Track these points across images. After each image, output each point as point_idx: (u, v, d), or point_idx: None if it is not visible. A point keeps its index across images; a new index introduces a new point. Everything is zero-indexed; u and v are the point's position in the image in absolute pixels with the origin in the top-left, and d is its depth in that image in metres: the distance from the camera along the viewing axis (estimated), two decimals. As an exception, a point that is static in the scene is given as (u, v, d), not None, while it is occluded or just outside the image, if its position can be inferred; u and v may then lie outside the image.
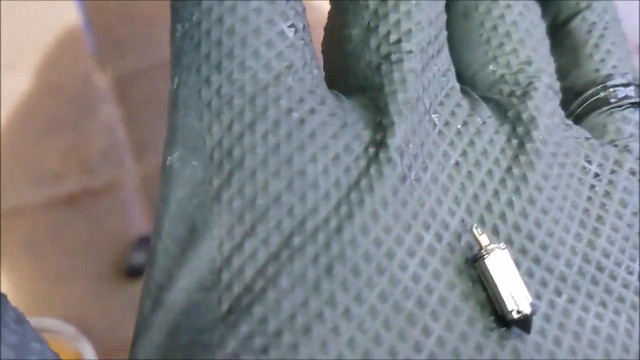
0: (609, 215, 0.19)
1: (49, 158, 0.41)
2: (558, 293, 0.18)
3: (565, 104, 0.21)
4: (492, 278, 0.17)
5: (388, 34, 0.19)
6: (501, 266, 0.17)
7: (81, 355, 0.33)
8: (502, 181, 0.19)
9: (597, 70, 0.21)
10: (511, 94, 0.20)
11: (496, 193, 0.18)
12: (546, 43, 0.21)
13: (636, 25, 0.39)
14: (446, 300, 0.16)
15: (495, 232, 0.18)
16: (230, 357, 0.15)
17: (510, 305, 0.16)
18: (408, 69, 0.18)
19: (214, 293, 0.16)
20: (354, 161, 0.17)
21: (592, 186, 0.19)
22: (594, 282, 0.18)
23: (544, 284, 0.18)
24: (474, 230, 0.17)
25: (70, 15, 0.42)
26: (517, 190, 0.19)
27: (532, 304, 0.16)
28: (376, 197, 0.17)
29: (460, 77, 0.21)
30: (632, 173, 0.20)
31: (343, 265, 0.16)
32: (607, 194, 0.19)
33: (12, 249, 0.39)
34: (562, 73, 0.22)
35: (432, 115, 0.19)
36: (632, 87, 0.21)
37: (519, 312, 0.16)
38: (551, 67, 0.21)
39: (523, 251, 0.18)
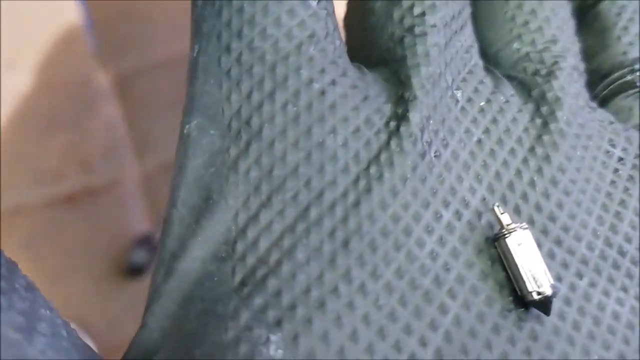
0: (632, 200, 0.19)
1: (49, 157, 0.41)
2: (579, 276, 0.17)
3: (590, 87, 0.21)
4: (513, 258, 0.16)
5: (412, 6, 0.19)
6: (523, 246, 0.16)
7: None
8: (525, 161, 0.18)
9: (625, 53, 0.21)
10: (535, 72, 0.20)
11: (518, 172, 0.18)
12: (571, 23, 0.21)
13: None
14: (464, 279, 0.16)
15: (517, 212, 0.18)
16: (243, 329, 0.15)
17: (530, 285, 0.16)
18: (431, 43, 0.18)
19: (228, 264, 0.16)
20: (374, 135, 0.17)
21: (616, 170, 0.19)
22: (616, 266, 0.18)
23: (565, 265, 0.17)
24: (495, 208, 0.17)
25: (70, 15, 0.42)
26: (539, 171, 0.18)
27: (553, 286, 0.16)
28: (396, 173, 0.17)
29: (483, 55, 0.20)
30: None
31: (360, 240, 0.16)
32: (630, 178, 0.19)
33: (12, 249, 0.39)
34: (588, 55, 0.21)
35: (455, 91, 0.19)
36: (659, 71, 0.21)
37: (539, 293, 0.16)
38: (576, 47, 0.21)
39: (544, 232, 0.18)
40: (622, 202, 0.19)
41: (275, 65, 0.17)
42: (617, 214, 0.19)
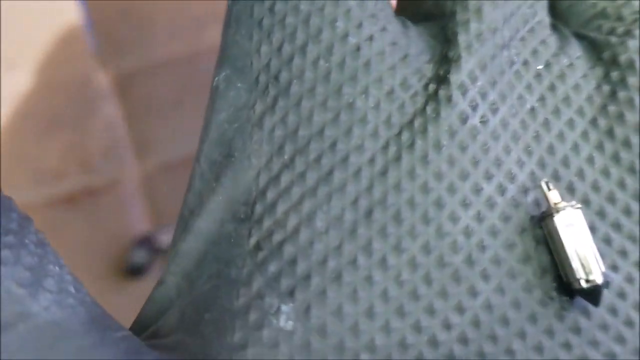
0: None
1: (49, 157, 0.41)
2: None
3: None
4: (560, 239, 0.15)
5: None
6: (572, 227, 0.15)
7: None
8: (584, 134, 0.17)
9: None
10: (611, 31, 0.17)
11: (575, 146, 0.16)
12: None
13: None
14: (501, 260, 0.15)
15: (570, 190, 0.16)
16: (255, 296, 0.14)
17: (578, 272, 0.15)
18: None
19: (245, 225, 0.15)
20: (410, 98, 0.16)
21: None
22: None
23: (623, 253, 0.15)
24: (543, 184, 0.15)
25: (70, 15, 0.42)
26: (600, 146, 0.16)
27: (604, 274, 0.15)
28: (429, 140, 0.15)
29: (553, 10, 0.18)
30: None
31: (384, 211, 0.15)
32: None
33: (12, 249, 0.39)
34: None
35: (512, 51, 0.17)
36: None
37: (588, 281, 0.14)
38: None
39: (601, 214, 0.16)
40: None
41: (309, 16, 0.16)
42: None
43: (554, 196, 0.15)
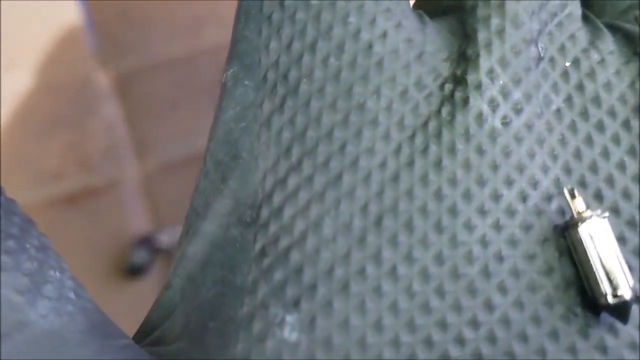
0: None
1: (49, 157, 0.41)
2: None
3: None
4: (585, 251, 0.14)
5: None
6: (598, 238, 0.14)
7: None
8: (615, 137, 0.15)
9: None
10: None
11: (605, 151, 0.15)
12: None
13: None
14: (520, 272, 0.14)
15: (598, 198, 0.15)
16: (259, 305, 0.13)
17: (604, 286, 0.13)
18: None
19: (251, 230, 0.14)
20: (425, 98, 0.15)
21: None
22: None
23: None
24: (566, 191, 0.14)
25: (70, 15, 0.42)
26: (632, 151, 0.15)
27: (634, 289, 0.14)
28: (443, 144, 0.15)
29: (588, 1, 0.17)
30: None
31: (395, 218, 0.14)
32: None
33: (12, 249, 0.39)
34: None
35: (539, 46, 0.16)
36: None
37: (615, 296, 0.13)
38: None
39: (632, 224, 0.15)
40: None
41: (320, 11, 0.15)
42: None
43: (578, 204, 0.14)
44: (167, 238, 0.41)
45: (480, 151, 0.15)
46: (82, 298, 0.14)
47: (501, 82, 0.15)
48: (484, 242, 0.14)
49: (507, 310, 0.14)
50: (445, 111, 0.15)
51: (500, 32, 0.15)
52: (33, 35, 0.42)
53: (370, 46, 0.15)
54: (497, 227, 0.14)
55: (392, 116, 0.15)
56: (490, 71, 0.15)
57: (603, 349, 0.14)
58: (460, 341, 0.13)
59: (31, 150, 0.41)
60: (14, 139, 0.41)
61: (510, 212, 0.14)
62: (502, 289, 0.14)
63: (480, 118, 0.15)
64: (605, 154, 0.15)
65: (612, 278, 0.14)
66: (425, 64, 0.15)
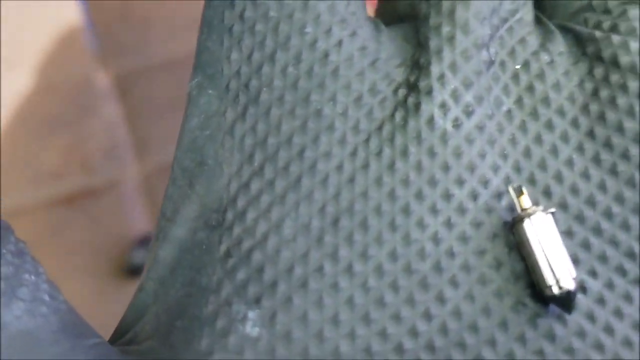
0: None
1: (49, 158, 0.41)
2: (621, 272, 0.15)
3: None
4: (531, 245, 0.14)
5: None
6: (543, 233, 0.14)
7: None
8: (564, 135, 0.16)
9: None
10: (597, 25, 0.17)
11: (554, 149, 0.16)
12: None
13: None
14: (471, 267, 0.15)
15: (546, 194, 0.16)
16: (223, 303, 0.14)
17: (548, 279, 0.14)
18: None
19: (217, 232, 0.15)
20: (379, 104, 0.16)
21: None
22: None
23: (603, 259, 0.15)
24: (511, 189, 0.15)
25: (70, 15, 0.42)
26: (579, 148, 0.16)
27: (581, 280, 0.14)
28: (396, 147, 0.15)
29: (540, 3, 0.18)
30: None
31: (351, 218, 0.15)
32: None
33: (12, 249, 0.39)
34: None
35: (490, 51, 0.16)
36: None
37: (560, 287, 0.14)
38: None
39: (580, 218, 0.15)
40: None
41: (279, 22, 0.16)
42: None
43: (524, 201, 0.15)
44: (167, 238, 0.41)
45: (432, 153, 0.15)
46: (56, 300, 0.14)
47: (452, 86, 0.16)
48: (436, 240, 0.15)
49: (458, 302, 0.14)
50: (398, 116, 0.15)
51: (451, 39, 0.16)
52: (33, 35, 0.42)
53: (326, 55, 0.16)
54: (449, 224, 0.15)
55: (347, 121, 0.15)
56: (441, 77, 0.16)
57: (552, 337, 0.14)
58: (413, 333, 0.14)
59: (31, 150, 0.41)
60: (14, 139, 0.41)
61: (461, 211, 0.15)
62: (454, 283, 0.14)
63: (431, 122, 0.15)
64: (554, 151, 0.16)
65: (556, 270, 0.14)
66: (379, 71, 0.16)
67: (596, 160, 0.16)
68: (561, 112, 0.16)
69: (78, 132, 0.42)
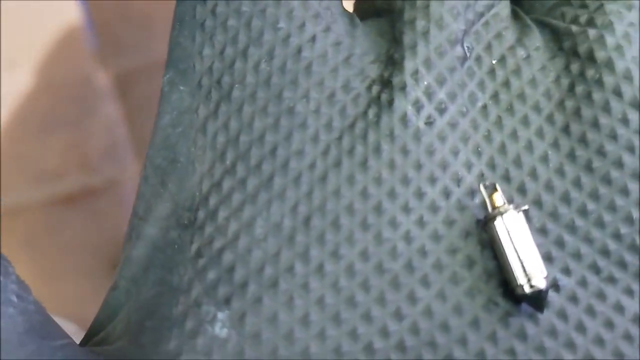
0: None
1: (49, 157, 0.41)
2: (595, 269, 0.15)
3: None
4: (502, 244, 0.14)
5: None
6: (514, 231, 0.14)
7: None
8: (539, 131, 0.16)
9: None
10: (574, 19, 0.16)
11: (529, 145, 0.16)
12: None
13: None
14: (443, 266, 0.15)
15: (521, 191, 0.15)
16: (193, 304, 0.14)
17: (519, 278, 0.14)
18: None
19: (189, 232, 0.15)
20: (352, 100, 0.16)
21: None
22: None
23: (577, 257, 0.15)
24: (482, 187, 0.15)
25: (70, 14, 0.42)
26: (555, 144, 0.16)
27: (554, 278, 0.14)
28: (369, 144, 0.15)
29: None
30: None
31: (322, 218, 0.15)
32: None
33: (12, 248, 0.39)
34: None
35: (464, 46, 0.16)
36: None
37: (531, 286, 0.14)
38: None
39: (554, 216, 0.15)
40: None
41: (251, 17, 0.16)
42: None
43: (496, 199, 0.15)
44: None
45: (405, 151, 0.15)
46: (24, 300, 0.14)
47: (425, 82, 0.15)
48: (408, 238, 0.15)
49: (430, 302, 0.14)
50: (371, 112, 0.15)
51: (425, 33, 0.16)
52: (33, 35, 0.42)
53: (299, 51, 0.16)
54: (421, 223, 0.15)
55: (320, 119, 0.15)
56: (415, 72, 0.15)
57: (523, 336, 0.14)
58: (384, 333, 0.14)
59: (31, 150, 0.41)
60: (13, 138, 0.41)
61: (434, 209, 0.15)
62: (425, 283, 0.14)
63: (404, 119, 0.15)
64: (529, 147, 0.16)
65: (527, 269, 0.14)
66: (353, 67, 0.16)
67: (571, 156, 0.16)
68: (537, 108, 0.16)
69: (78, 131, 0.42)
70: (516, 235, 0.14)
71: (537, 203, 0.15)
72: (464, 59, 0.16)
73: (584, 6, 0.16)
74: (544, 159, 0.16)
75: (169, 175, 0.15)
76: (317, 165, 0.15)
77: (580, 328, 0.14)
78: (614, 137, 0.15)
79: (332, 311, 0.14)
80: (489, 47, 0.16)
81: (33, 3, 0.42)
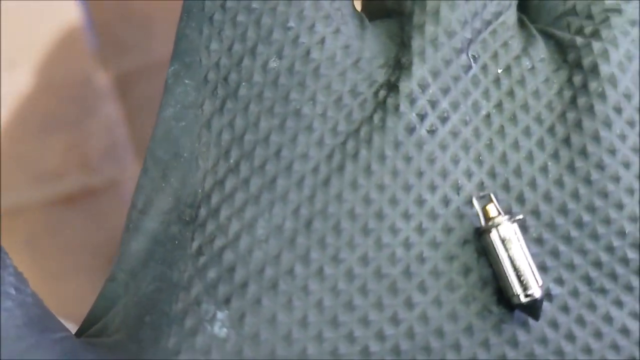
0: None
1: (49, 157, 0.41)
2: (587, 280, 0.15)
3: None
4: (497, 255, 0.15)
5: None
6: (509, 242, 0.15)
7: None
8: (540, 142, 0.16)
9: None
10: (579, 30, 0.16)
11: (530, 155, 0.16)
12: None
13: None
14: (440, 273, 0.15)
15: (520, 201, 0.16)
16: (193, 302, 0.14)
17: (515, 287, 0.15)
18: None
19: (190, 228, 0.15)
20: (358, 105, 0.16)
21: None
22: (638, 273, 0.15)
23: (570, 267, 0.15)
24: (475, 200, 0.15)
25: (70, 14, 0.42)
26: (555, 155, 0.16)
27: (547, 288, 0.15)
28: (373, 150, 0.15)
29: (524, 4, 0.17)
30: None
31: (324, 221, 0.15)
32: None
33: (12, 248, 0.39)
34: None
35: (470, 54, 0.16)
36: None
37: (527, 295, 0.14)
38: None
39: (551, 227, 0.15)
40: None
41: (261, 15, 0.16)
42: None
43: (490, 210, 0.15)
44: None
45: (407, 159, 0.15)
46: (22, 293, 0.14)
47: (431, 91, 0.16)
48: (407, 245, 0.15)
49: (426, 307, 0.14)
50: (377, 117, 0.15)
51: (434, 40, 0.16)
52: (33, 35, 0.42)
53: (308, 52, 0.16)
54: (420, 230, 0.15)
55: (326, 122, 0.15)
56: (422, 80, 0.16)
57: (515, 343, 0.14)
58: (380, 337, 0.14)
59: (31, 150, 0.41)
60: (13, 138, 0.41)
61: (433, 216, 0.15)
62: (422, 288, 0.15)
63: (409, 127, 0.15)
64: (530, 158, 0.16)
65: (522, 279, 0.15)
66: (362, 71, 0.16)
67: (571, 168, 0.16)
68: (539, 120, 0.16)
69: (78, 131, 0.42)
70: (511, 246, 0.15)
71: (535, 213, 0.16)
72: (469, 67, 0.16)
73: (589, 17, 0.16)
74: (544, 169, 0.16)
75: (171, 169, 0.15)
76: (320, 169, 0.15)
77: (570, 337, 0.15)
78: (612, 151, 0.16)
79: (330, 314, 0.14)
80: (495, 56, 0.16)
81: (33, 3, 0.42)
